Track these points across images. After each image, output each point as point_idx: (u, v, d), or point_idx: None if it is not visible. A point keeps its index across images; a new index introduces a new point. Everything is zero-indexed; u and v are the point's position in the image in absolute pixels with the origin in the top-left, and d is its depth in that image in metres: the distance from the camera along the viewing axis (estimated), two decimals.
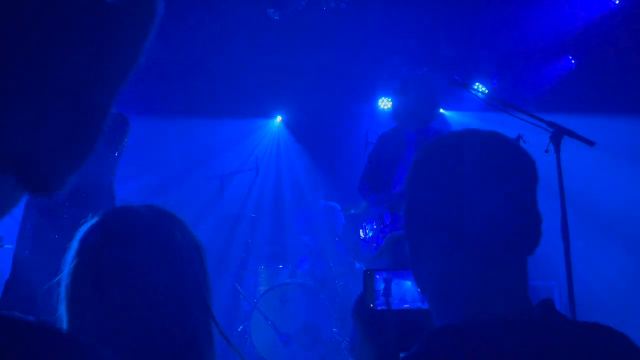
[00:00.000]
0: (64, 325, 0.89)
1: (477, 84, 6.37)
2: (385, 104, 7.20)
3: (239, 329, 4.91)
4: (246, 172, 5.64)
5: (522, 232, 0.86)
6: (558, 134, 2.54)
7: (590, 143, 2.51)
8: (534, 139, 2.89)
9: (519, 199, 0.86)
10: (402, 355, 1.13)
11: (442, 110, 3.95)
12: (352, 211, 5.79)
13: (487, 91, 6.35)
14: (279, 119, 7.66)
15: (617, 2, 5.12)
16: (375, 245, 3.83)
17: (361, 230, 4.01)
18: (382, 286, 1.18)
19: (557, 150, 2.54)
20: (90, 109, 0.40)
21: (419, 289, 1.00)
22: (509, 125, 4.96)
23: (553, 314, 0.85)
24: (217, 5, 5.19)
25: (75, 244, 0.93)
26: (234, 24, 5.48)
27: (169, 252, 0.93)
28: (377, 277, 1.17)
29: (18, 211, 3.11)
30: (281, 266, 5.39)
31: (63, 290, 0.90)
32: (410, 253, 0.93)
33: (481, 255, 0.84)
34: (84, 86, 0.37)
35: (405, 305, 1.16)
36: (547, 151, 2.57)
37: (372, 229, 3.92)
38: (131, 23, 0.41)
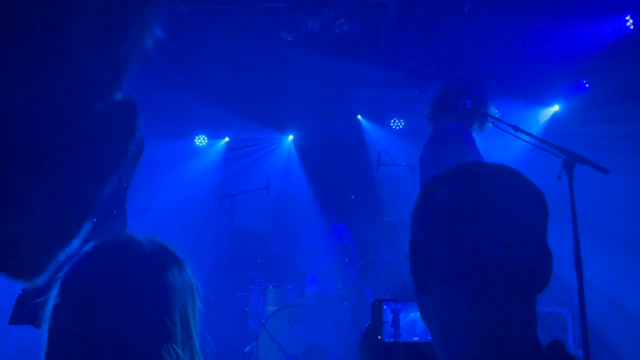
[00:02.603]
0: (45, 340, 0.88)
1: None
2: (396, 124, 7.21)
3: (246, 349, 4.87)
4: (257, 190, 5.63)
5: (531, 270, 0.83)
6: (570, 161, 2.52)
7: (604, 170, 2.48)
8: (545, 164, 2.88)
9: (528, 235, 0.84)
10: None
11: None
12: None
13: (498, 114, 6.34)
14: (290, 137, 7.70)
15: (632, 27, 5.11)
16: None
17: None
18: (390, 317, 1.16)
19: (570, 177, 2.51)
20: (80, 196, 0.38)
21: (423, 322, 0.97)
22: (520, 151, 4.94)
23: (562, 356, 0.82)
24: (231, 27, 5.26)
25: (65, 269, 0.91)
26: (248, 44, 5.54)
27: (156, 293, 0.89)
28: (385, 307, 1.15)
29: None
30: (289, 286, 5.36)
31: (48, 312, 0.89)
32: (415, 285, 0.91)
33: (487, 292, 0.81)
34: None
35: (415, 338, 1.14)
36: (559, 177, 2.54)
37: None
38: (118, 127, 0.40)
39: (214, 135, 7.60)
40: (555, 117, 6.46)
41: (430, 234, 0.87)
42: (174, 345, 0.87)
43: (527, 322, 0.83)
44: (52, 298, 0.90)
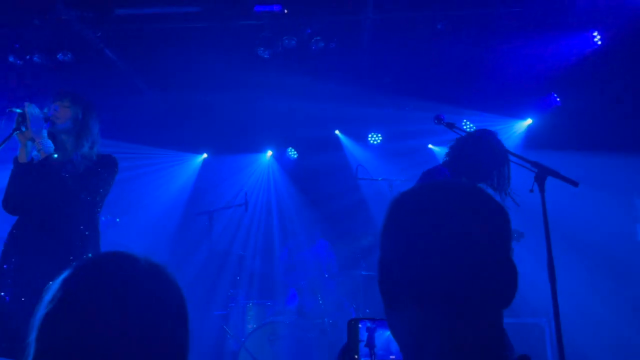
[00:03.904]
0: (31, 351, 0.87)
1: (465, 120, 6.47)
2: (374, 138, 7.27)
3: None
4: (235, 207, 5.61)
5: (496, 286, 0.84)
6: (542, 174, 2.57)
7: (574, 183, 2.54)
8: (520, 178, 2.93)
9: (493, 251, 0.85)
10: None
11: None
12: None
13: (474, 128, 6.45)
14: (269, 153, 7.69)
15: (599, 42, 5.26)
16: None
17: None
18: (365, 336, 1.16)
19: (542, 190, 2.57)
20: None
21: (394, 340, 0.97)
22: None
23: None
24: (207, 44, 5.28)
25: (58, 284, 0.90)
26: (226, 62, 5.56)
27: (153, 311, 0.90)
28: (361, 326, 1.16)
29: None
30: (269, 303, 5.32)
31: (37, 322, 0.88)
32: (384, 304, 0.91)
33: (454, 308, 0.82)
34: None
35: (391, 357, 1.14)
36: (531, 191, 2.59)
37: None
38: None
39: (191, 152, 7.57)
40: (528, 131, 6.59)
41: (397, 252, 0.88)
42: None
43: (495, 337, 0.84)
44: (44, 306, 0.89)
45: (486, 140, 2.91)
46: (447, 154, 3.03)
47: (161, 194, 7.27)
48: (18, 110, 2.79)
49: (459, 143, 3.00)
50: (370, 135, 7.26)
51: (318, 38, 5.06)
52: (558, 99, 6.05)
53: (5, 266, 2.75)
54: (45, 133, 2.82)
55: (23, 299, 2.61)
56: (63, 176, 2.80)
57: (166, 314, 0.91)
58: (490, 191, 2.91)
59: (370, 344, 1.14)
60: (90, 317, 0.85)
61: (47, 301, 0.89)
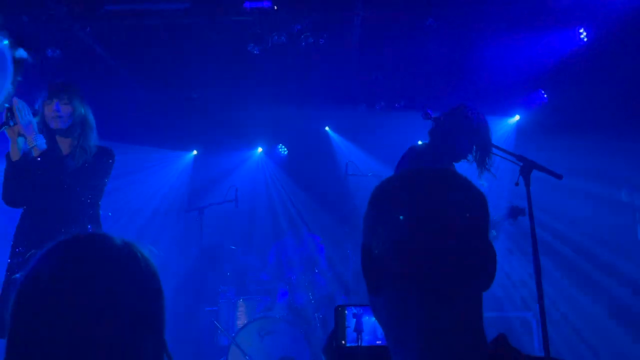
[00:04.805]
0: (7, 329, 0.89)
1: None
2: (363, 135, 7.30)
3: None
4: (225, 203, 5.62)
5: (475, 268, 0.86)
6: (527, 168, 2.62)
7: (558, 176, 2.59)
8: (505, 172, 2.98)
9: (474, 235, 0.87)
10: None
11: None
12: None
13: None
14: (259, 150, 7.71)
15: (585, 39, 5.32)
16: None
17: None
18: (352, 322, 1.19)
19: (527, 183, 2.61)
20: None
21: (379, 324, 0.99)
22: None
23: (505, 350, 0.85)
24: (197, 40, 5.27)
25: (34, 262, 0.92)
26: (215, 59, 5.56)
27: (124, 287, 0.91)
28: (347, 312, 1.19)
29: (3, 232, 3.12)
30: (259, 298, 5.34)
31: (14, 298, 0.89)
32: (368, 289, 0.93)
33: (434, 290, 0.84)
34: None
35: (378, 342, 1.17)
36: (517, 184, 2.64)
37: None
38: None
39: (181, 149, 7.55)
40: (517, 127, 6.65)
41: (378, 238, 0.90)
42: (138, 344, 0.89)
43: (474, 319, 0.86)
44: (19, 283, 0.90)
45: (462, 113, 3.00)
46: (429, 132, 3.13)
47: (151, 191, 7.25)
48: (6, 105, 2.79)
49: (440, 120, 3.07)
50: (359, 133, 7.28)
51: (308, 34, 5.07)
52: (545, 96, 6.12)
53: (13, 259, 2.81)
54: (36, 128, 2.82)
55: None
56: (62, 172, 2.83)
57: (138, 289, 0.93)
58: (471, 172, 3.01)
59: (357, 329, 1.17)
60: (60, 294, 0.87)
61: (22, 278, 0.91)
